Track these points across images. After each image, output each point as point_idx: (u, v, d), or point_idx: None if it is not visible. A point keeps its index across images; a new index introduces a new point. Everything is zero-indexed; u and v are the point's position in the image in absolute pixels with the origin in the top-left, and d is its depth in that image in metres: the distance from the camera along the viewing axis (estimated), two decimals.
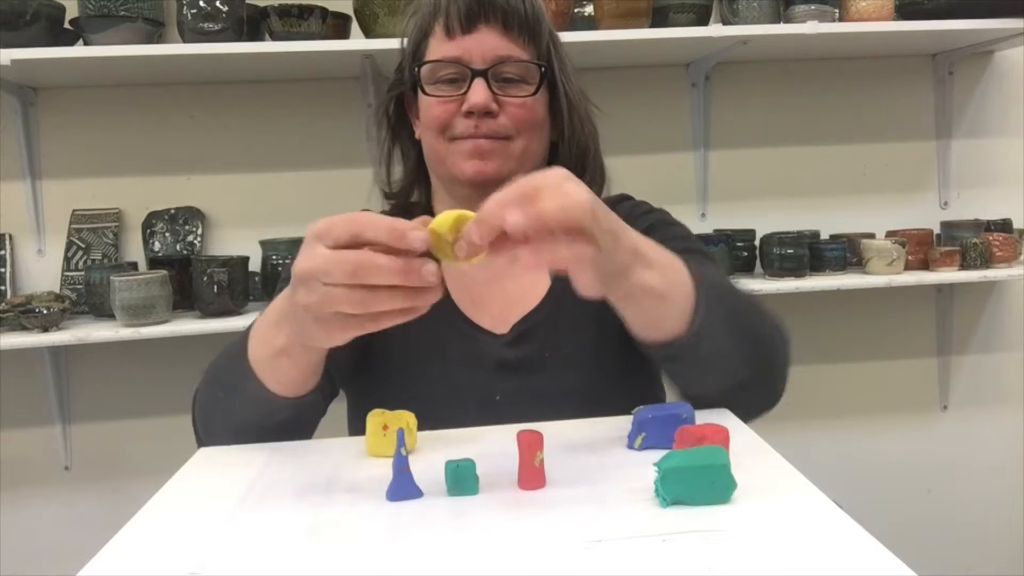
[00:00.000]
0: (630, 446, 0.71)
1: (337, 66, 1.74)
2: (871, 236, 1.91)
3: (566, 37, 1.08)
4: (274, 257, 1.74)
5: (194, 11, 1.59)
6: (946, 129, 2.03)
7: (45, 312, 1.60)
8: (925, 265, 1.84)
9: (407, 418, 0.74)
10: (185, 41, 1.63)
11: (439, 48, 0.93)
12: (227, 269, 1.64)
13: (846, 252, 1.85)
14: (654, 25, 1.71)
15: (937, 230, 1.93)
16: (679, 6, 1.72)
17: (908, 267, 1.82)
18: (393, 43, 1.08)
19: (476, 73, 0.91)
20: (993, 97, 2.06)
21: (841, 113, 2.02)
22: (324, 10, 1.65)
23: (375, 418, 0.73)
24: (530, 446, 0.62)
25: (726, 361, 0.77)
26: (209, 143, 1.87)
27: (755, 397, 0.83)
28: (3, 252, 1.80)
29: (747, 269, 1.88)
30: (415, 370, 0.93)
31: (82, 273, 1.75)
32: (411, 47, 0.98)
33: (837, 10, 1.78)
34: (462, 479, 0.62)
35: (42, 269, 1.84)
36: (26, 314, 1.59)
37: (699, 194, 1.98)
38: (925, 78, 2.04)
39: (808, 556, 0.49)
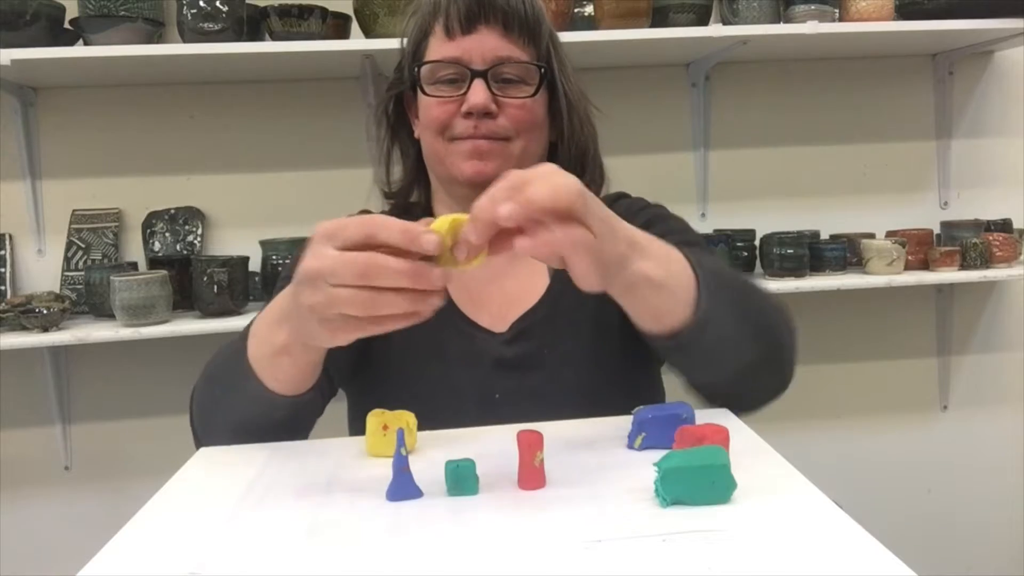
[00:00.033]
0: (630, 446, 0.71)
1: (337, 66, 1.74)
2: (871, 236, 1.91)
3: (566, 37, 1.08)
4: (274, 257, 1.74)
5: (194, 11, 1.59)
6: (946, 129, 2.04)
7: (45, 312, 1.60)
8: (925, 265, 1.85)
9: (407, 418, 0.74)
10: (185, 41, 1.63)
11: (439, 48, 0.94)
12: (227, 269, 1.65)
13: (846, 252, 1.85)
14: (654, 25, 1.71)
15: (937, 230, 1.93)
16: (679, 6, 1.72)
17: (908, 267, 1.82)
18: (393, 43, 1.08)
19: (476, 74, 0.91)
20: (993, 97, 2.06)
21: (841, 113, 2.02)
22: (324, 10, 1.65)
23: (375, 418, 0.73)
24: (530, 446, 0.62)
25: (733, 347, 0.76)
26: (209, 143, 1.87)
27: (764, 382, 0.83)
28: (3, 252, 1.80)
29: (747, 269, 1.88)
30: (414, 370, 0.93)
31: (82, 273, 1.75)
32: (411, 47, 0.98)
33: (837, 10, 1.78)
34: (462, 479, 0.62)
35: (42, 269, 1.84)
36: (26, 314, 1.59)
37: (699, 194, 1.98)
38: (925, 78, 2.04)
39: (808, 556, 0.49)
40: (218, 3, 1.59)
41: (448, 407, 0.88)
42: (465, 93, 0.92)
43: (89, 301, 1.70)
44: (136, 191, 1.85)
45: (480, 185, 0.90)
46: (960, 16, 1.73)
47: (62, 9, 1.64)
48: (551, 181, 0.60)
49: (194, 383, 0.87)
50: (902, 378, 2.09)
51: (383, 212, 1.05)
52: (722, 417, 0.77)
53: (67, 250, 1.81)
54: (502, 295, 0.96)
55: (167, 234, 1.83)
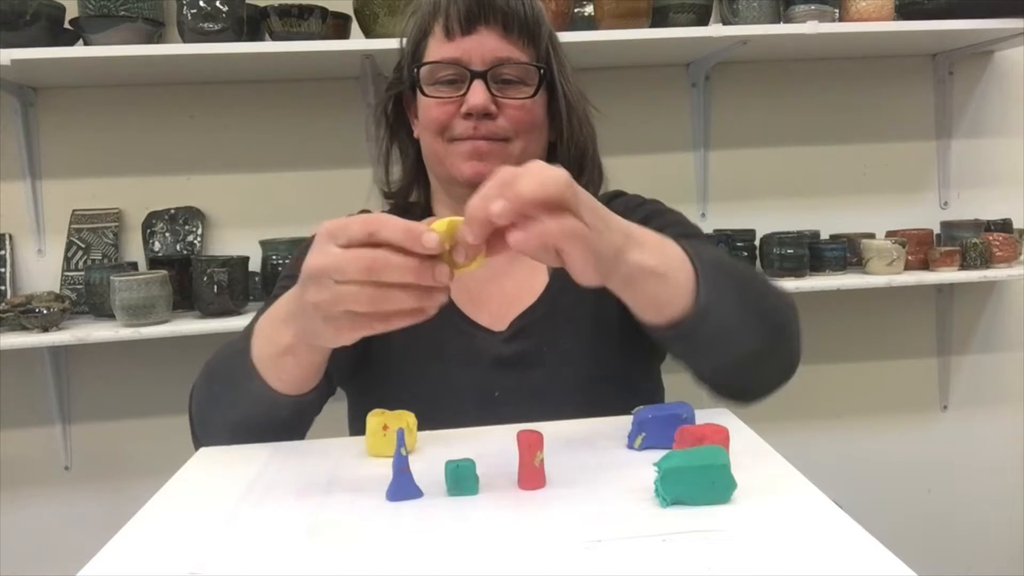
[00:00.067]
0: (630, 446, 0.71)
1: (337, 66, 1.74)
2: (871, 236, 1.91)
3: (566, 37, 1.08)
4: (274, 257, 1.74)
5: (194, 11, 1.59)
6: (946, 129, 2.03)
7: (45, 312, 1.60)
8: (925, 265, 1.84)
9: (407, 418, 0.74)
10: (185, 41, 1.63)
11: (438, 49, 0.94)
12: (227, 269, 1.65)
13: (846, 252, 1.85)
14: (654, 25, 1.71)
15: (937, 230, 1.93)
16: (679, 6, 1.72)
17: (908, 267, 1.82)
18: (393, 43, 1.08)
19: (475, 75, 0.91)
20: (993, 97, 2.06)
21: (841, 113, 2.02)
22: (324, 10, 1.65)
23: (375, 418, 0.73)
24: (530, 446, 0.62)
25: (737, 334, 0.76)
26: (209, 143, 1.87)
27: (771, 367, 0.82)
28: (3, 252, 1.80)
29: None
30: (414, 370, 0.93)
31: (82, 273, 1.75)
32: (410, 47, 0.98)
33: (837, 10, 1.78)
34: (462, 479, 0.62)
35: (42, 269, 1.84)
36: (26, 314, 1.59)
37: (699, 194, 1.98)
38: (925, 78, 2.04)
39: (808, 556, 0.49)
40: (218, 3, 1.59)
41: (448, 406, 0.88)
42: (464, 94, 0.92)
43: (89, 301, 1.70)
44: (136, 191, 1.85)
45: (479, 186, 0.90)
46: (960, 16, 1.73)
47: (62, 9, 1.64)
48: (539, 174, 0.60)
49: (194, 382, 0.87)
50: (902, 378, 2.09)
51: (383, 212, 1.05)
52: (722, 417, 0.77)
53: (67, 250, 1.81)
54: (501, 294, 0.96)
55: (167, 234, 1.83)
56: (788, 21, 1.76)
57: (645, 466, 0.61)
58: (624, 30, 1.66)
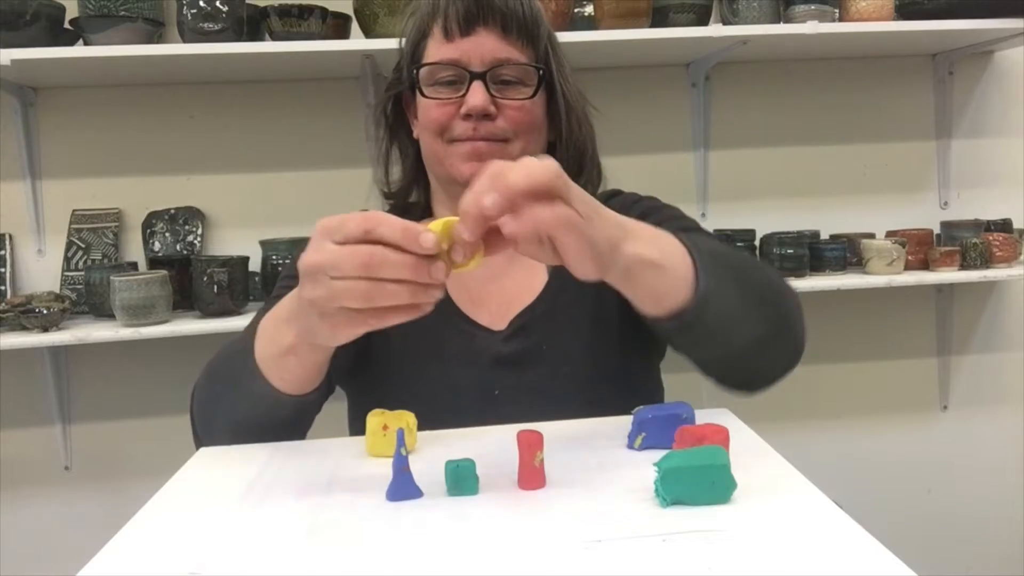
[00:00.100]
0: (630, 446, 0.71)
1: (337, 66, 1.74)
2: (871, 236, 1.91)
3: (566, 37, 1.08)
4: (274, 257, 1.74)
5: (194, 11, 1.59)
6: (946, 129, 2.03)
7: (45, 312, 1.60)
8: (925, 265, 1.84)
9: (407, 418, 0.74)
10: (185, 41, 1.63)
11: (437, 50, 0.94)
12: (227, 269, 1.64)
13: (846, 252, 1.85)
14: (654, 25, 1.71)
15: (937, 230, 1.93)
16: (679, 6, 1.72)
17: (908, 267, 1.82)
18: (393, 43, 1.08)
19: (474, 76, 0.91)
20: (993, 97, 2.06)
21: (841, 113, 2.02)
22: (324, 10, 1.65)
23: (375, 418, 0.73)
24: (530, 446, 0.62)
25: (739, 322, 0.75)
26: (209, 143, 1.87)
27: (775, 353, 0.82)
28: (3, 252, 1.80)
29: None
30: (414, 369, 0.93)
31: (82, 273, 1.75)
32: (409, 48, 0.98)
33: (837, 10, 1.78)
34: (462, 479, 0.62)
35: (42, 269, 1.84)
36: (26, 314, 1.59)
37: (699, 194, 1.98)
38: (925, 78, 2.04)
39: (808, 556, 0.49)
40: (218, 3, 1.59)
41: (448, 405, 0.88)
42: (464, 95, 0.92)
43: (89, 301, 1.70)
44: (136, 191, 1.85)
45: None
46: (960, 16, 1.73)
47: (62, 9, 1.64)
48: (527, 165, 0.60)
49: (195, 381, 0.87)
50: (902, 378, 2.09)
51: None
52: (722, 417, 0.77)
53: (67, 250, 1.81)
54: (501, 293, 0.96)
55: (167, 234, 1.83)
56: (788, 21, 1.76)
57: (645, 466, 0.61)
58: (624, 30, 1.66)
